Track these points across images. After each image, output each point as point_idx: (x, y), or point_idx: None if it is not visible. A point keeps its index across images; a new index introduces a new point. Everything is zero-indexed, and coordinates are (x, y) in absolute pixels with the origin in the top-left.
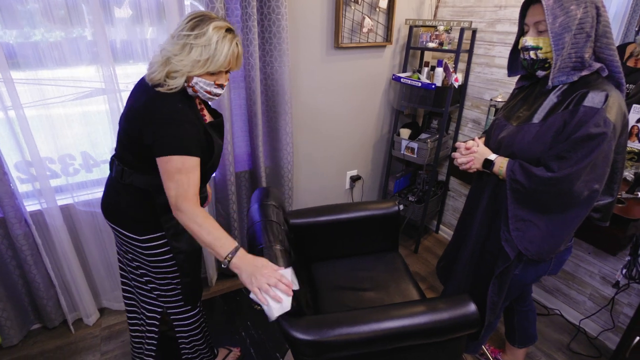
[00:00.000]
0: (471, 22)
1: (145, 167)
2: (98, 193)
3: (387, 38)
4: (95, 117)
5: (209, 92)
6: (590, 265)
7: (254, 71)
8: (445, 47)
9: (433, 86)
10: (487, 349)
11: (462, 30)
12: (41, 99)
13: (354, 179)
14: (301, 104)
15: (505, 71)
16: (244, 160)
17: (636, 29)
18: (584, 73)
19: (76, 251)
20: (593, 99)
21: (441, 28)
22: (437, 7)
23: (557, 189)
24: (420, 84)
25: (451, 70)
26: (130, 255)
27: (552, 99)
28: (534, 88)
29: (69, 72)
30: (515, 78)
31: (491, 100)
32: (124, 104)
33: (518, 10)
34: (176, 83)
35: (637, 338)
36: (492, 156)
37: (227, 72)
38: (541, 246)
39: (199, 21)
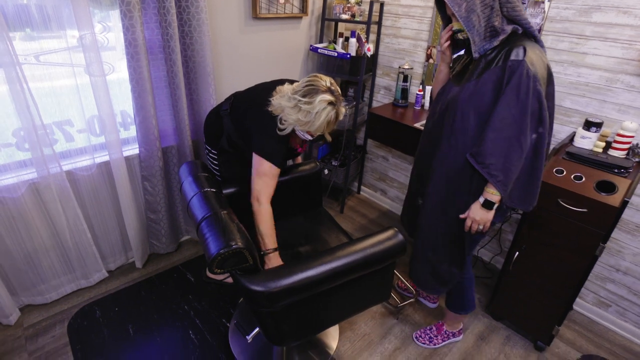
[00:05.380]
0: None
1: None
2: (6, 180)
3: (303, 9)
4: None
5: (303, 137)
6: None
7: (173, 41)
8: (357, 19)
9: (348, 56)
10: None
11: (371, 3)
12: None
13: None
14: (223, 76)
15: (410, 41)
16: (170, 135)
17: None
18: (502, 37)
19: None
20: (517, 53)
21: (352, 0)
22: None
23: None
24: (336, 54)
25: (363, 40)
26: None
27: (485, 60)
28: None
29: None
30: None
31: (399, 68)
32: (26, 80)
33: None
34: (286, 130)
35: (517, 253)
36: (482, 199)
37: None
38: (526, 199)
39: (311, 90)
